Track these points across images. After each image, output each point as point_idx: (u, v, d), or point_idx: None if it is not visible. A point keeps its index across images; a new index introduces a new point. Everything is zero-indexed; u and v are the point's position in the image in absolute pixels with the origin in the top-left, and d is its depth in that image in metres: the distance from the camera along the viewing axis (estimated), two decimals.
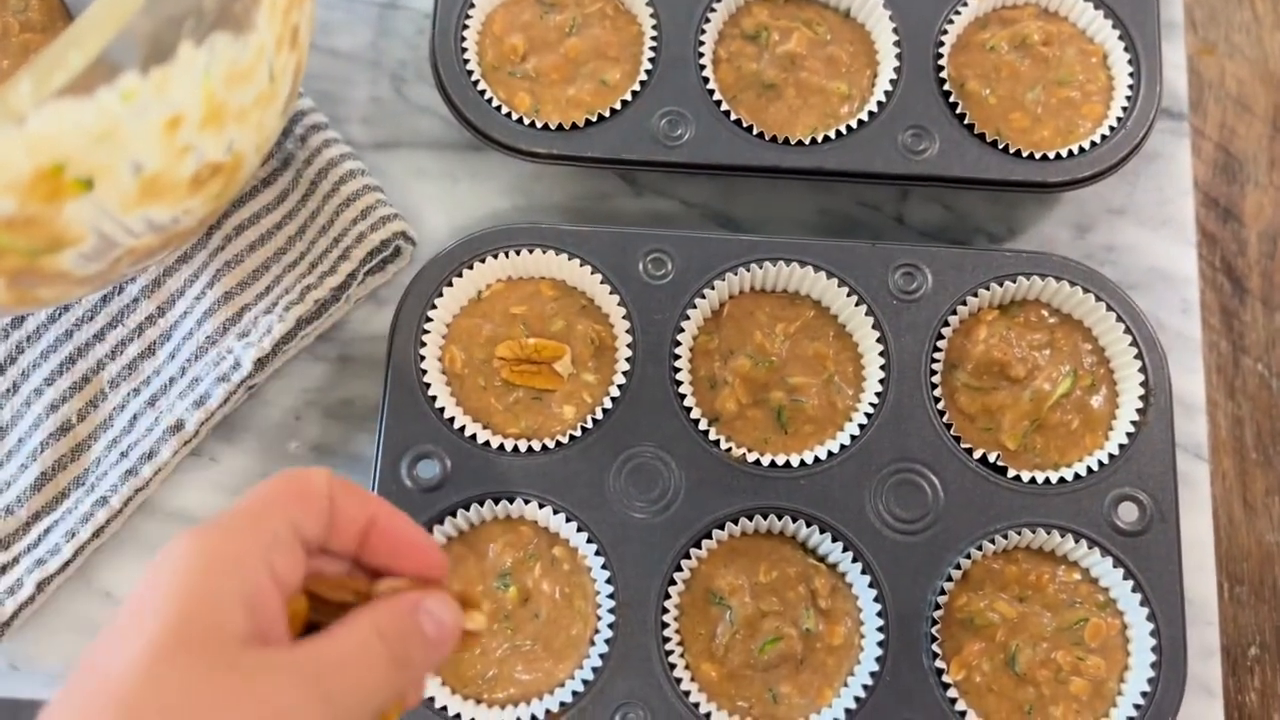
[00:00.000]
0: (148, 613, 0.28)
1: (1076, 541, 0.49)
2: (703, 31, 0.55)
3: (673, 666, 0.48)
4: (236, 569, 0.29)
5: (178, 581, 0.29)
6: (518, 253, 0.53)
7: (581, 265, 0.52)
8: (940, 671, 0.48)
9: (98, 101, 0.34)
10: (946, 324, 0.52)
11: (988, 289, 0.52)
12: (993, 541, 0.49)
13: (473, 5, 0.56)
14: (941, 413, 0.51)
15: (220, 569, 0.29)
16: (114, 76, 0.34)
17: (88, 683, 0.28)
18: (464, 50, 0.55)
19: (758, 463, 0.50)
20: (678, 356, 0.51)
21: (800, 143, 0.54)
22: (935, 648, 0.48)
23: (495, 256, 0.53)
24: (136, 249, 0.43)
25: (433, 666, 0.34)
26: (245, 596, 0.29)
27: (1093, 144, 0.54)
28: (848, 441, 0.50)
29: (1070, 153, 0.54)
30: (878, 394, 0.51)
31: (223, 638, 0.28)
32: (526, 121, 0.54)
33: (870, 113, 0.54)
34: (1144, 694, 0.47)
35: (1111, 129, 0.54)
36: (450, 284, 0.52)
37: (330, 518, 0.33)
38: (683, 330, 0.52)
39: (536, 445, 0.50)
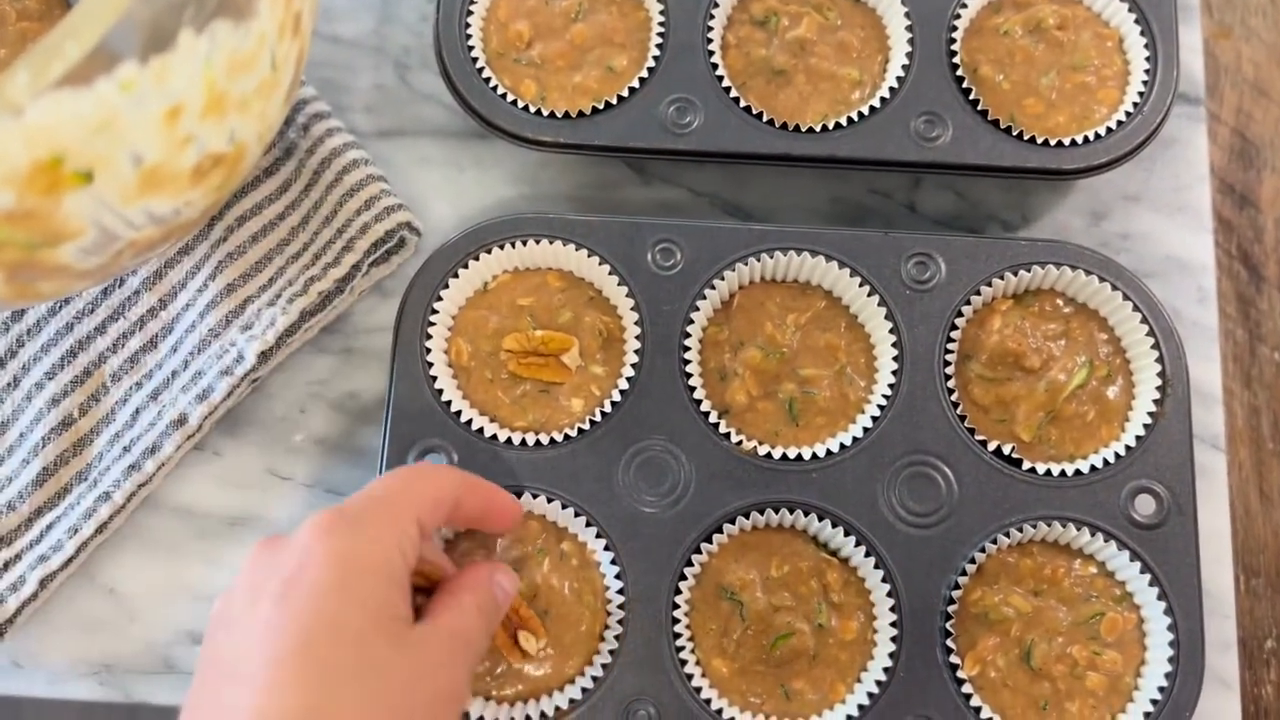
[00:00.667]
0: (297, 610, 0.35)
1: (1093, 535, 0.48)
2: (711, 17, 0.54)
3: (683, 663, 0.47)
4: (385, 565, 0.37)
5: (331, 579, 0.36)
6: (524, 243, 0.52)
7: (589, 256, 0.52)
8: (955, 667, 0.47)
9: (96, 92, 0.33)
10: (960, 314, 0.51)
11: (1002, 278, 0.51)
12: (1007, 535, 0.48)
13: None
14: (955, 404, 0.50)
15: (370, 557, 0.37)
16: (113, 66, 0.33)
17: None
18: (468, 37, 0.54)
19: (769, 456, 0.49)
20: (687, 348, 0.51)
21: (811, 130, 0.53)
22: (949, 643, 0.47)
23: (501, 247, 0.52)
24: (138, 241, 0.42)
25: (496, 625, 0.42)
26: (399, 587, 0.37)
27: (1108, 130, 0.53)
28: (860, 434, 0.50)
29: (1085, 139, 0.53)
30: (890, 385, 0.50)
31: (397, 622, 0.37)
32: (532, 109, 0.53)
33: (882, 99, 0.53)
34: (1161, 689, 0.47)
35: (1127, 115, 0.53)
36: (456, 275, 0.51)
37: (449, 513, 0.41)
38: (692, 321, 0.51)
39: (544, 439, 0.49)
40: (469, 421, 0.49)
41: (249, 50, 0.38)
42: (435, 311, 0.51)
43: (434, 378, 0.50)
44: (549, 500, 0.49)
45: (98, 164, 0.35)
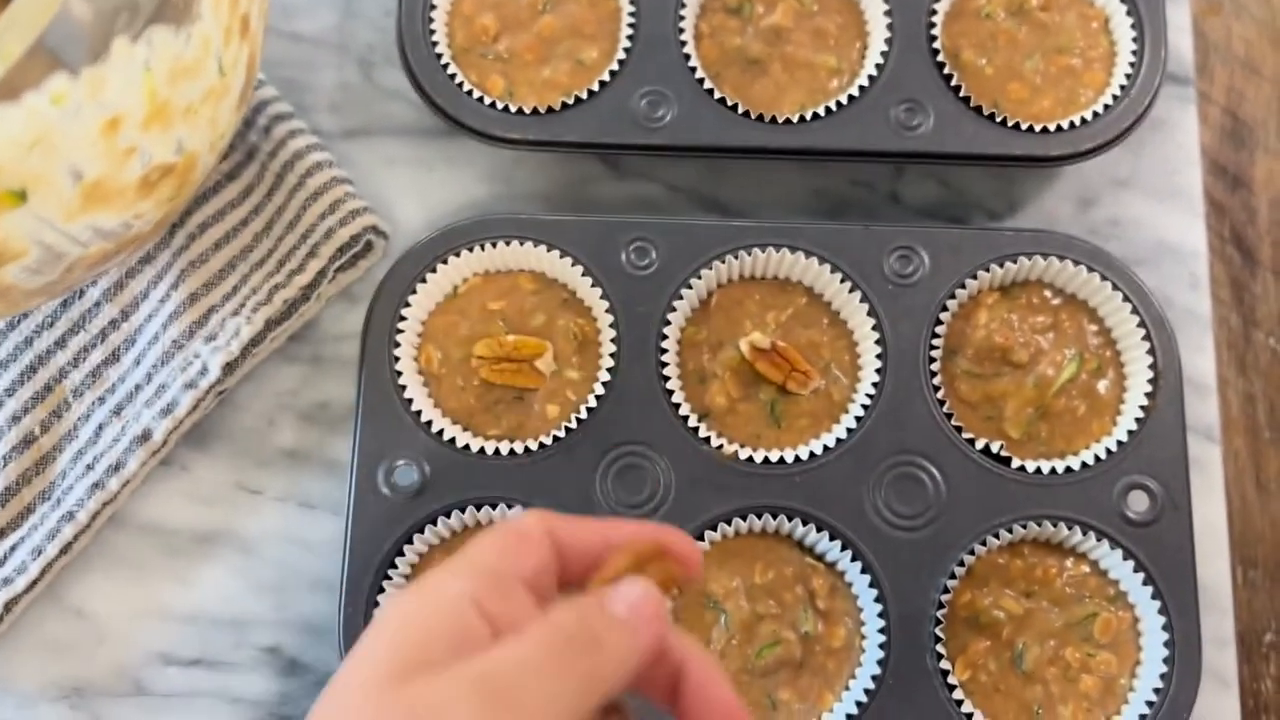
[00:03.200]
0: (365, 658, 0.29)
1: (1085, 533, 0.47)
2: (683, 5, 0.53)
3: None
4: (436, 612, 0.30)
5: (391, 628, 0.29)
6: (494, 245, 0.50)
7: (562, 257, 0.50)
8: (945, 672, 0.46)
9: (25, 107, 0.32)
10: (945, 308, 0.50)
11: (987, 270, 0.50)
12: (997, 536, 0.47)
13: None
14: (941, 402, 0.49)
15: (422, 614, 0.30)
16: (41, 79, 0.32)
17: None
18: (432, 32, 0.52)
19: (750, 460, 0.48)
20: (664, 350, 0.49)
21: (788, 121, 0.51)
22: (939, 648, 0.46)
23: (470, 249, 0.50)
24: (87, 257, 0.41)
25: (634, 652, 0.30)
26: (449, 634, 0.29)
27: (1095, 114, 0.51)
28: (844, 435, 0.48)
29: (1072, 124, 0.51)
30: (874, 384, 0.49)
31: (423, 664, 0.28)
32: (500, 106, 0.51)
33: (861, 87, 0.52)
34: (1157, 690, 0.46)
35: (1115, 98, 0.52)
36: (424, 280, 0.50)
37: (556, 553, 0.32)
38: (669, 322, 0.49)
39: (519, 447, 0.48)
40: (440, 431, 0.48)
41: (192, 56, 0.37)
42: (403, 318, 0.49)
43: (403, 387, 0.48)
44: (525, 510, 0.47)
45: (32, 182, 0.33)
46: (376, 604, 0.46)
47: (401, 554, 0.47)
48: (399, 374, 0.49)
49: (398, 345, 0.49)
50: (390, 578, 0.47)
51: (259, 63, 0.44)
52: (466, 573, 0.30)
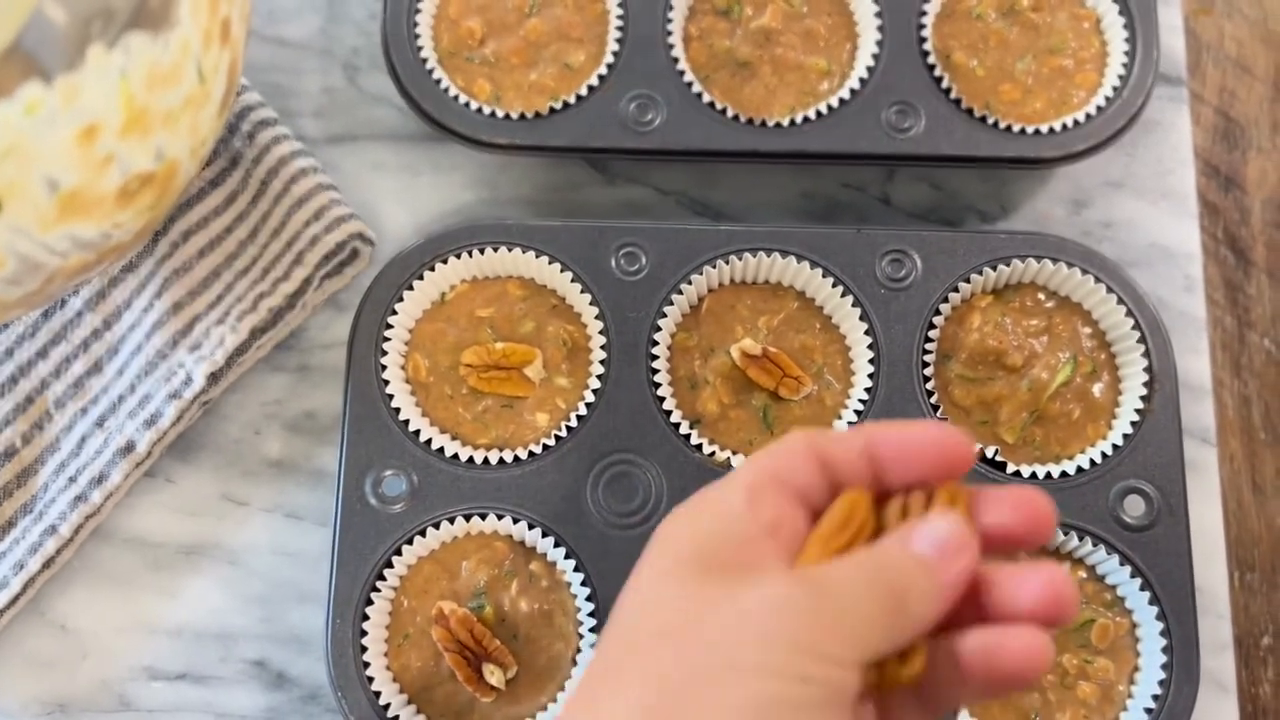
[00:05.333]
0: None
1: (1081, 539, 0.47)
2: (671, 8, 0.52)
3: None
4: (725, 518, 0.30)
5: (686, 533, 0.30)
6: (482, 251, 0.50)
7: (550, 263, 0.49)
8: None
9: None
10: (938, 312, 0.49)
11: (980, 273, 0.49)
12: None
13: None
14: (935, 406, 0.48)
15: (712, 522, 0.30)
16: (14, 87, 0.31)
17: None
18: (417, 36, 0.52)
19: None
20: (655, 356, 0.48)
21: (778, 124, 0.51)
22: None
23: (458, 256, 0.50)
24: (67, 268, 0.40)
25: (943, 597, 0.29)
26: (741, 539, 0.29)
27: (1088, 116, 0.51)
28: None
29: (1064, 126, 0.51)
30: (867, 389, 0.48)
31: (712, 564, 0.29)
32: (487, 110, 0.51)
33: (852, 90, 0.51)
34: (1155, 697, 0.45)
35: (1107, 99, 0.51)
36: (411, 287, 0.49)
37: (823, 467, 0.31)
38: (659, 328, 0.49)
39: (508, 456, 0.47)
40: (429, 441, 0.47)
41: (171, 62, 0.36)
42: (390, 326, 0.49)
43: (390, 396, 0.48)
44: (515, 521, 0.47)
45: (6, 192, 0.33)
46: (365, 616, 0.45)
47: (390, 565, 0.46)
48: (386, 382, 0.48)
49: (385, 353, 0.48)
50: (378, 589, 0.46)
51: (241, 68, 0.44)
52: (741, 487, 0.30)
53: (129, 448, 0.49)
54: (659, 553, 0.30)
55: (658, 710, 0.27)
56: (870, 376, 0.48)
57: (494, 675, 0.45)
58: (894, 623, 0.28)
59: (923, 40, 0.52)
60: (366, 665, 0.45)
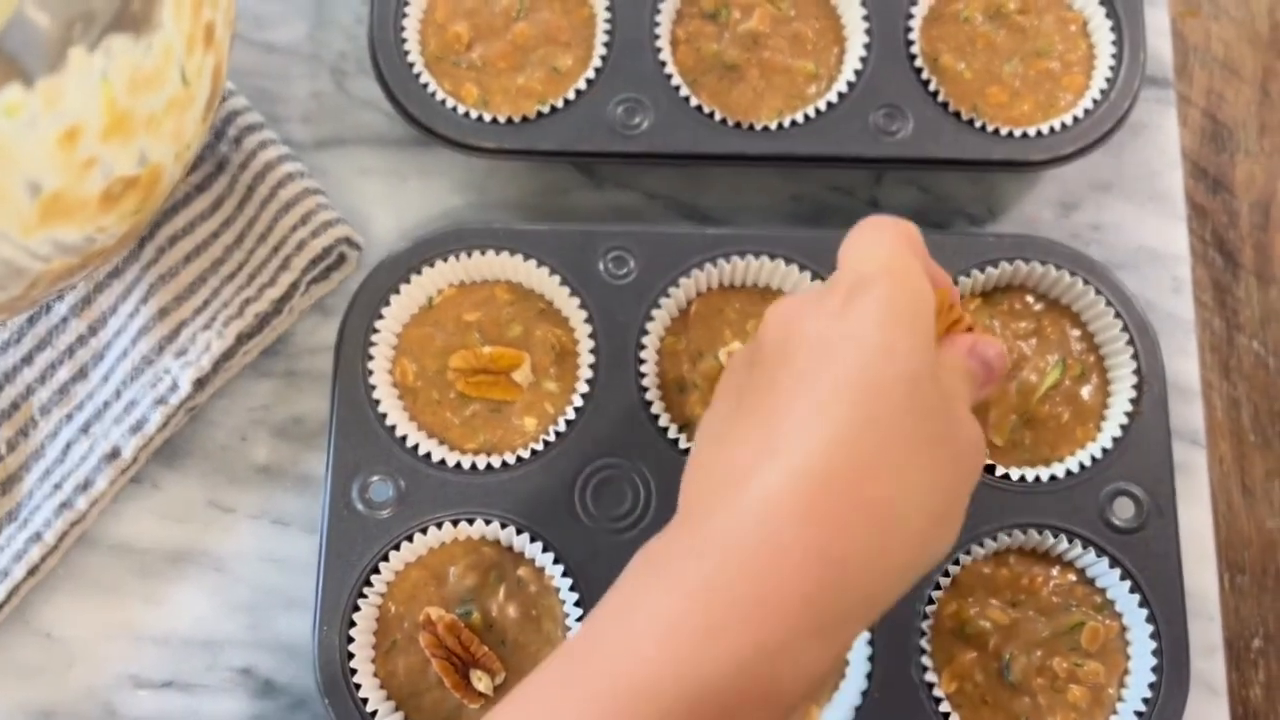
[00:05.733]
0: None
1: (1070, 541, 0.46)
2: (658, 11, 0.52)
3: None
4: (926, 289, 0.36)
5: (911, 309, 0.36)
6: (469, 255, 0.49)
7: (538, 266, 0.49)
8: (931, 685, 0.45)
9: None
10: None
11: (968, 276, 0.49)
12: (982, 545, 0.47)
13: None
14: None
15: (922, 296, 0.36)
16: None
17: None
18: (404, 40, 0.52)
19: None
20: (643, 360, 0.48)
21: (766, 127, 0.51)
22: (925, 660, 0.45)
23: (445, 260, 0.49)
24: (50, 272, 0.40)
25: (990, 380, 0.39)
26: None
27: (1075, 118, 0.51)
28: None
29: (1052, 128, 0.51)
30: None
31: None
32: (474, 114, 0.51)
33: (839, 93, 0.51)
34: (1145, 700, 0.45)
35: (1095, 101, 0.51)
36: (398, 291, 0.49)
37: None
38: (648, 332, 0.49)
39: (496, 461, 0.47)
40: (416, 446, 0.47)
41: (153, 65, 0.36)
42: (377, 330, 0.48)
43: (378, 401, 0.48)
44: (503, 526, 0.46)
45: None
46: (353, 623, 0.45)
47: (377, 571, 0.46)
48: (373, 387, 0.48)
49: (372, 358, 0.48)
50: (366, 595, 0.46)
51: (226, 72, 0.44)
52: (908, 252, 0.37)
53: (114, 454, 0.49)
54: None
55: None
56: None
57: (481, 681, 0.44)
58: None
59: (910, 43, 0.52)
60: (354, 672, 0.45)
